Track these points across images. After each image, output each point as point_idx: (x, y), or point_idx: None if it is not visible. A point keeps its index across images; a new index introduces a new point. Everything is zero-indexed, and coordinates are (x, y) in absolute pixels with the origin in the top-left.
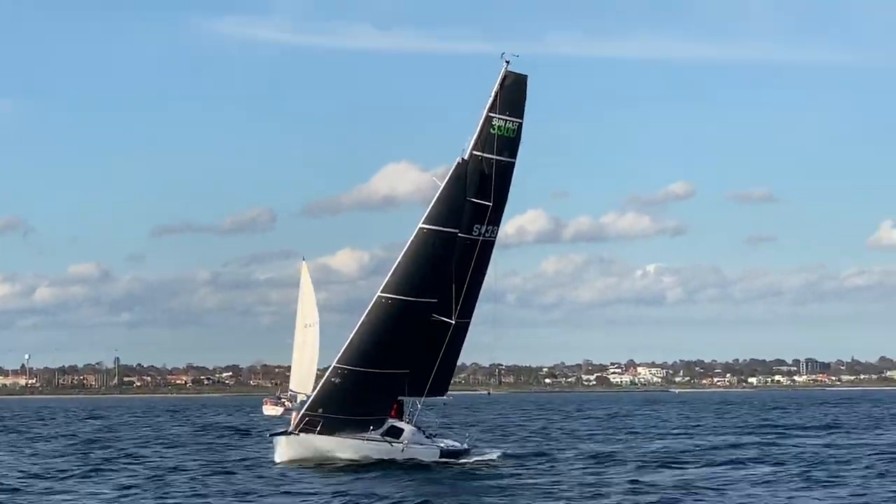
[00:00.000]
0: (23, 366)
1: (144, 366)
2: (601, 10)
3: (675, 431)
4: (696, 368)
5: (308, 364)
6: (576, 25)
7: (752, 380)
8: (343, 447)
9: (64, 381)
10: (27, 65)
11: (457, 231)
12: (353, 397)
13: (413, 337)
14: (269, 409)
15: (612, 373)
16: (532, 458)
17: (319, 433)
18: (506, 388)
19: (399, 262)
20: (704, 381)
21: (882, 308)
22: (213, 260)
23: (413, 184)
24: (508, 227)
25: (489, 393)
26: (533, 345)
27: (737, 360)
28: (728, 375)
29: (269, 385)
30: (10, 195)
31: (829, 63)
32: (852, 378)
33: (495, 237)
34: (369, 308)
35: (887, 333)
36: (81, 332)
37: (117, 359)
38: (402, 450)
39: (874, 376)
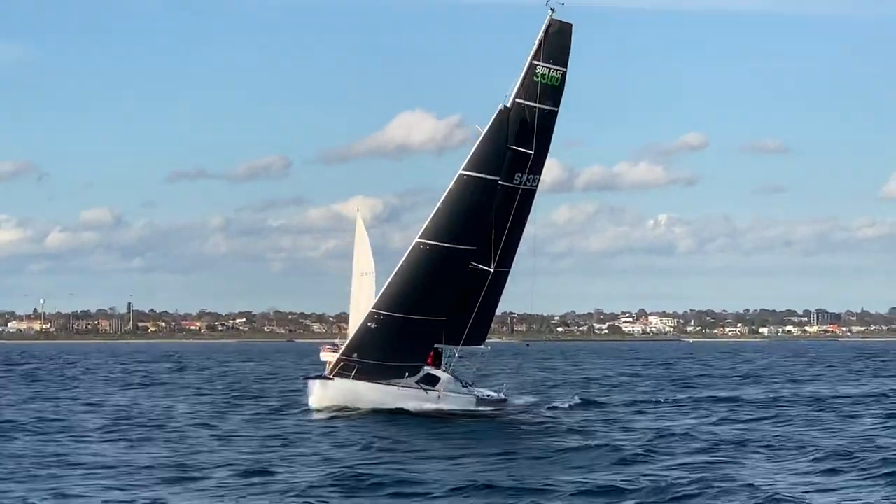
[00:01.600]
0: (35, 310)
1: (157, 311)
2: None
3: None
4: (707, 318)
5: (365, 312)
6: None
7: (763, 330)
8: (378, 393)
9: (78, 325)
10: (39, 9)
11: (497, 178)
12: (389, 343)
13: (451, 284)
14: (327, 355)
15: (624, 322)
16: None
17: (354, 378)
18: (518, 336)
19: (438, 208)
20: (716, 331)
21: (891, 259)
22: (227, 206)
23: (428, 132)
24: None
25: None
26: (544, 293)
27: (747, 310)
28: (739, 325)
29: (282, 331)
30: (24, 140)
31: (840, 14)
32: (863, 329)
33: (536, 186)
34: (407, 253)
35: None
36: (94, 278)
37: (130, 304)
38: (438, 397)
39: (884, 327)
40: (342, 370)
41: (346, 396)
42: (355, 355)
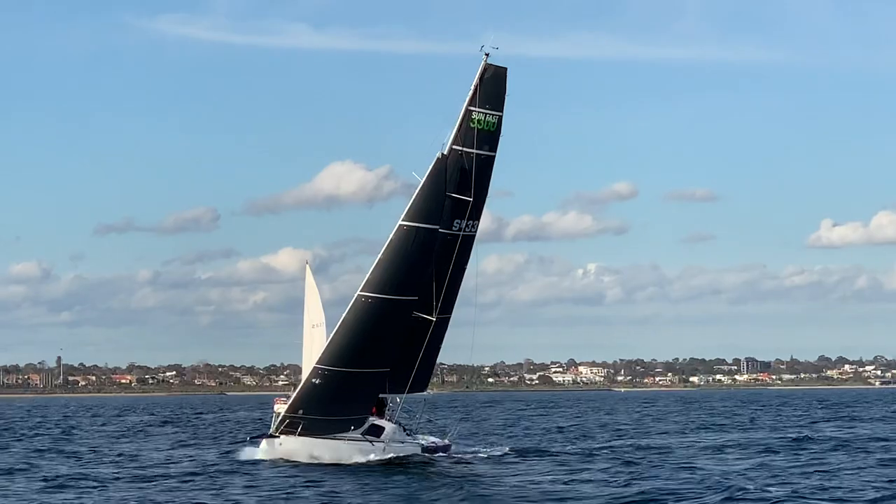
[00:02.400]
0: None
1: (87, 365)
2: (534, 11)
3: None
4: (637, 367)
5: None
6: (509, 26)
7: (694, 378)
8: (323, 448)
9: (8, 380)
10: None
11: (437, 227)
12: (334, 398)
13: (395, 335)
14: (281, 407)
15: (554, 372)
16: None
17: (300, 435)
18: (449, 387)
19: (379, 259)
20: (646, 380)
21: (820, 307)
22: (155, 259)
23: (357, 183)
24: None
25: (430, 392)
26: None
27: (676, 359)
28: (669, 374)
29: (213, 384)
30: None
31: (768, 63)
32: (793, 377)
33: (475, 231)
34: (349, 307)
35: (826, 333)
36: (21, 332)
37: (59, 358)
38: (384, 448)
39: (814, 375)
40: (288, 427)
41: (292, 454)
42: (300, 412)
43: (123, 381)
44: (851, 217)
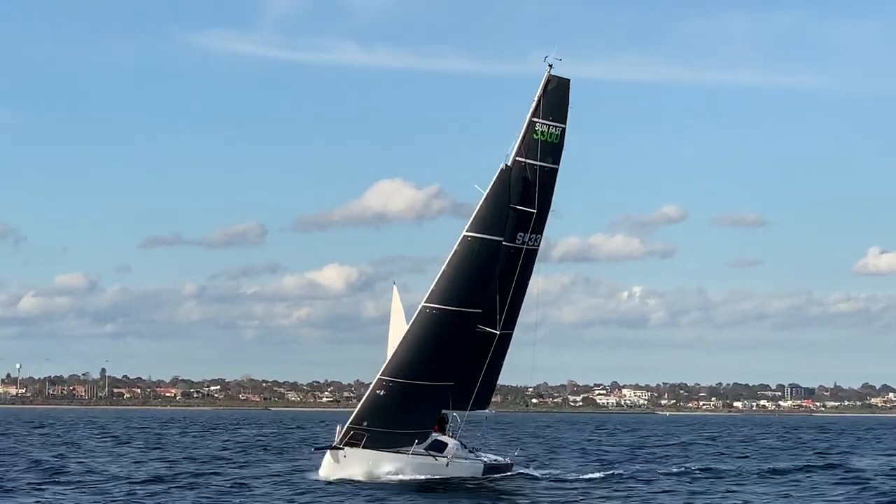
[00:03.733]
0: (8, 375)
1: (130, 377)
2: (584, 32)
3: None
4: (681, 391)
5: None
6: (559, 46)
7: (738, 404)
8: (387, 461)
9: (54, 391)
10: (19, 74)
11: (501, 239)
12: (398, 410)
13: (459, 348)
14: None
15: (598, 394)
16: None
17: (364, 447)
18: (493, 406)
19: (443, 271)
20: (690, 405)
21: (865, 334)
22: (201, 273)
23: (406, 201)
24: None
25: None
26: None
27: (720, 383)
28: (713, 399)
29: (258, 399)
30: (1, 203)
31: (817, 88)
32: (836, 405)
33: (538, 245)
34: (413, 318)
35: (870, 360)
36: (66, 343)
37: (104, 370)
38: (447, 464)
39: (858, 403)
40: (352, 439)
41: (357, 466)
42: (365, 423)
43: (168, 394)
44: None
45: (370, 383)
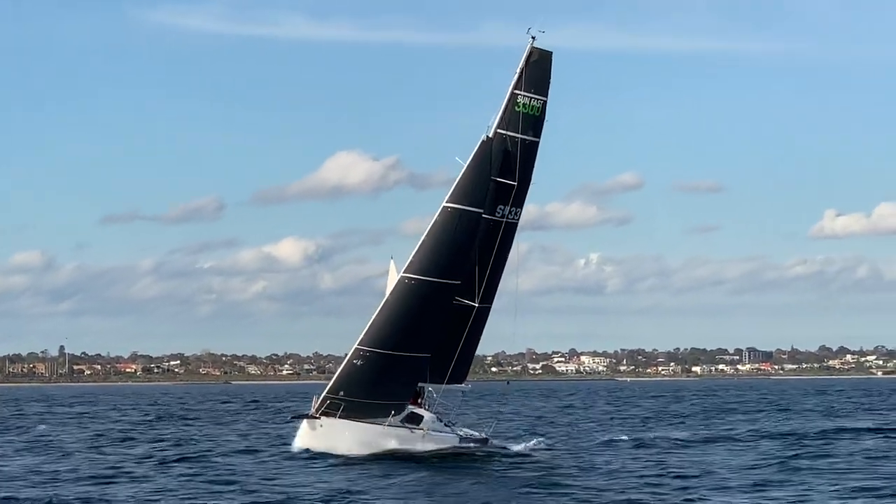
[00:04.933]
0: None
1: (90, 354)
2: (535, 1)
3: None
4: (639, 357)
5: None
6: (511, 16)
7: (696, 369)
8: (363, 432)
9: (14, 369)
10: None
11: (482, 211)
12: (375, 380)
13: (437, 319)
14: None
15: (557, 361)
16: None
17: (340, 417)
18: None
19: (423, 242)
20: (649, 370)
21: (821, 297)
22: (160, 249)
23: (363, 173)
24: None
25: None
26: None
27: (678, 348)
28: (672, 364)
29: (218, 373)
30: None
31: (772, 54)
32: (794, 367)
33: (518, 218)
34: (392, 288)
35: (826, 322)
36: (24, 321)
37: (62, 347)
38: (423, 437)
39: (815, 365)
40: (328, 408)
41: (333, 436)
42: (341, 393)
43: (129, 370)
44: (854, 208)
45: (328, 355)
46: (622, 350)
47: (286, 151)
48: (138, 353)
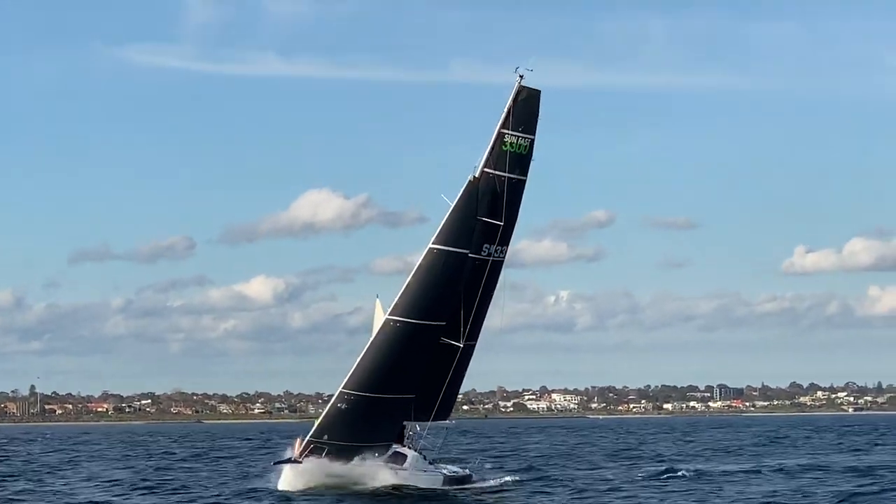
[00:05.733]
0: None
1: (60, 393)
2: (500, 38)
3: None
4: (610, 394)
5: None
6: (477, 53)
7: (668, 406)
8: (347, 474)
9: None
10: None
11: (468, 252)
12: (360, 423)
13: (421, 361)
14: None
15: (528, 399)
16: None
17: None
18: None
19: (408, 284)
20: (620, 407)
21: (792, 333)
22: (129, 287)
23: (334, 210)
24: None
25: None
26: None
27: (648, 385)
28: (643, 401)
29: (189, 412)
30: None
31: (741, 90)
32: (766, 404)
33: (504, 257)
34: (377, 331)
35: (797, 359)
36: None
37: (33, 386)
38: (406, 478)
39: (787, 402)
40: (311, 452)
41: (314, 479)
42: (325, 437)
43: (100, 409)
44: (825, 244)
45: (299, 393)
46: (593, 387)
47: (256, 190)
48: (109, 393)
